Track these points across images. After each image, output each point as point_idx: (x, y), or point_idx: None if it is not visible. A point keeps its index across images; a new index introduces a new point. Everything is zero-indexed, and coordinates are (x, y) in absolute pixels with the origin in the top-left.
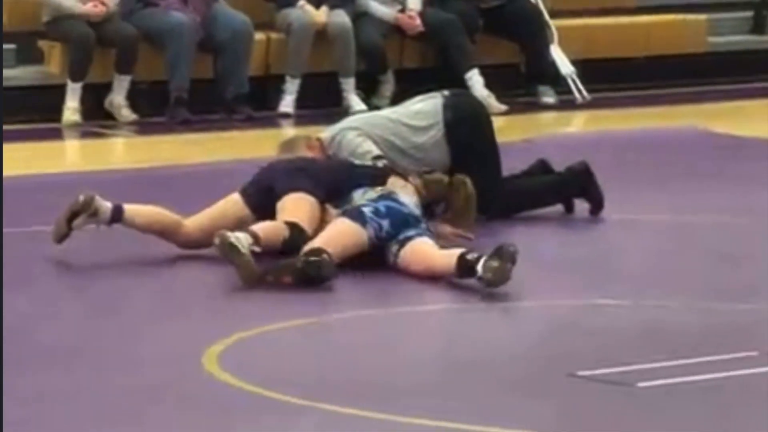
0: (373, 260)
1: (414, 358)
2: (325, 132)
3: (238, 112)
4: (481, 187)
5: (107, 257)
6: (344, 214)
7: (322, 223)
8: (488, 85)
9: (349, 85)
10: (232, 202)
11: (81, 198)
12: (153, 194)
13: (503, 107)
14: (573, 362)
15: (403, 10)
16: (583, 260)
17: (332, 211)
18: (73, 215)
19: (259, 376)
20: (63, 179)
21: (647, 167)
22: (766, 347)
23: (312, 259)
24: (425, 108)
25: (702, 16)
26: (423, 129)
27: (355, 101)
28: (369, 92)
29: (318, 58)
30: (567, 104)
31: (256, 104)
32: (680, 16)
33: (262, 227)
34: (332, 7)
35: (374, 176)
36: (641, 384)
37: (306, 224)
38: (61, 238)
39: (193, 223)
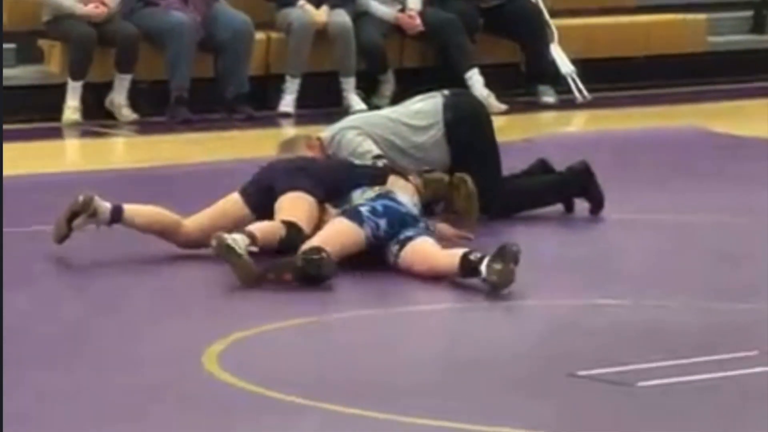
0: (371, 260)
1: (414, 358)
2: (325, 131)
3: (239, 111)
4: (481, 187)
5: (107, 256)
6: (342, 213)
7: (320, 223)
8: (488, 84)
9: (349, 84)
10: (232, 202)
11: (80, 198)
12: (153, 194)
13: (503, 107)
14: (573, 362)
15: (403, 10)
16: (583, 260)
17: (331, 210)
18: (73, 216)
19: (259, 376)
20: (63, 179)
21: (647, 167)
22: (765, 347)
23: (312, 257)
24: (425, 107)
25: (702, 16)
26: (423, 128)
27: (355, 101)
28: (369, 92)
29: (318, 57)
30: (567, 104)
31: (256, 104)
32: (680, 16)
33: (258, 227)
34: (332, 6)
35: (374, 176)
36: (641, 383)
37: (304, 223)
38: (62, 238)
39: (193, 223)
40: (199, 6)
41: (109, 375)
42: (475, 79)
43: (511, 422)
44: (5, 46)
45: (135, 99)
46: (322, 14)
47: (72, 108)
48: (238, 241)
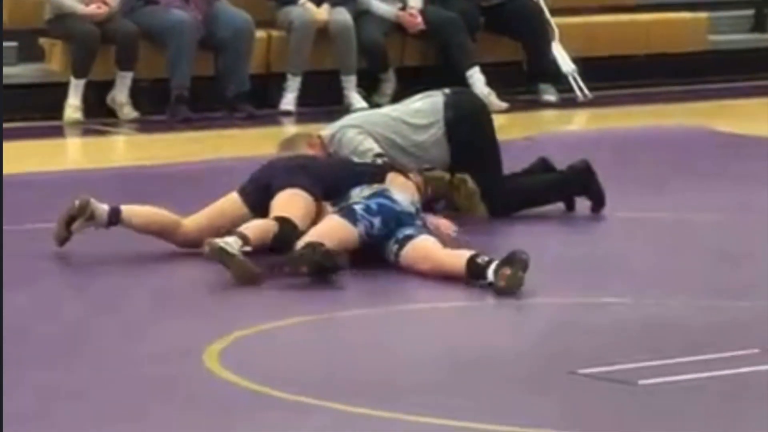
0: (372, 258)
1: (415, 357)
2: (326, 130)
3: (239, 110)
4: (482, 186)
5: (107, 255)
6: (337, 211)
7: (318, 220)
8: (489, 83)
9: (350, 83)
10: (231, 201)
11: (76, 203)
12: (154, 192)
13: (504, 105)
14: (574, 360)
15: (404, 8)
16: (584, 258)
17: (329, 208)
18: (71, 219)
19: (260, 374)
20: (64, 177)
21: (648, 165)
22: (766, 345)
23: (325, 248)
24: (426, 106)
25: (703, 14)
26: (424, 127)
27: (356, 99)
28: (370, 90)
29: (319, 55)
30: (568, 102)
31: (257, 102)
32: (681, 14)
33: (249, 227)
34: (333, 4)
35: (374, 174)
36: (642, 381)
37: (299, 220)
38: (62, 241)
39: (192, 222)
40: (200, 4)
41: (109, 375)
42: (476, 77)
43: (513, 420)
44: (6, 44)
45: (136, 97)
46: (323, 12)
47: (73, 107)
48: (230, 243)
